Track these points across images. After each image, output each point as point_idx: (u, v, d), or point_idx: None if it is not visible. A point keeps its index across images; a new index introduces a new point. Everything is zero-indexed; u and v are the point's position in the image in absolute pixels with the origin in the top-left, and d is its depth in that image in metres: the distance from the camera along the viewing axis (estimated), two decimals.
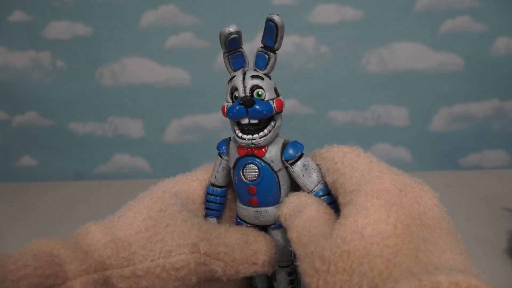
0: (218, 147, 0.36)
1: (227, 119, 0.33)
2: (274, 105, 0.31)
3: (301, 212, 0.30)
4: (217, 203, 0.37)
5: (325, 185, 0.32)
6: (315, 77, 0.84)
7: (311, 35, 0.83)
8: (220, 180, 0.37)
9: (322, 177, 0.32)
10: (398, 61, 0.84)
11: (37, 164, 0.95)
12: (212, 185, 0.37)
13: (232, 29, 0.30)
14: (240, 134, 0.32)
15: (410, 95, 0.85)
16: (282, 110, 0.32)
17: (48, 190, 0.85)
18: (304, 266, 0.26)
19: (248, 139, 0.31)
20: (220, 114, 0.34)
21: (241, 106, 0.30)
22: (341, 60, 0.84)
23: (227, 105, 0.32)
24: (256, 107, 0.30)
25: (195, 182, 0.37)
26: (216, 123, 0.88)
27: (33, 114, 0.91)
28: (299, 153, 0.33)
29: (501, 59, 0.82)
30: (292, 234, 0.29)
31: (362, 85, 0.85)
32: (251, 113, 0.30)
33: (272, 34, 0.30)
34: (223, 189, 0.37)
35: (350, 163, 0.30)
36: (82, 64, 0.88)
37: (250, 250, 0.32)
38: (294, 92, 0.83)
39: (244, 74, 0.32)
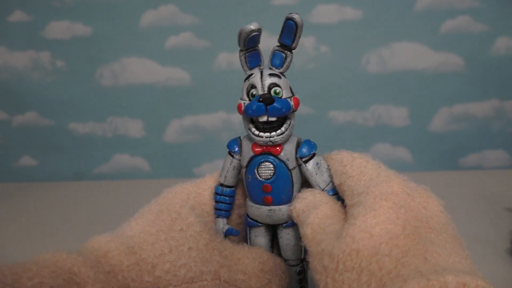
0: (229, 146, 0.36)
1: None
2: (291, 103, 0.32)
3: (316, 209, 0.30)
4: (227, 203, 0.37)
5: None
6: (315, 77, 0.84)
7: (311, 35, 0.83)
8: (230, 180, 0.36)
9: None
10: (398, 61, 0.84)
11: (37, 164, 0.95)
12: (221, 185, 0.37)
13: (253, 26, 0.30)
14: (256, 132, 0.32)
15: (410, 95, 0.85)
16: (297, 109, 0.33)
17: (48, 190, 0.85)
18: (314, 263, 0.27)
19: (266, 137, 0.32)
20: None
21: (261, 104, 0.31)
22: (341, 60, 0.84)
23: (244, 103, 0.32)
24: (275, 105, 0.31)
25: (206, 191, 0.37)
26: (216, 123, 0.88)
27: (33, 114, 0.91)
28: (313, 152, 0.33)
29: (501, 59, 0.82)
30: (306, 230, 0.29)
31: (362, 85, 0.85)
32: (270, 110, 0.31)
33: (291, 33, 0.31)
34: (232, 189, 0.37)
35: (359, 167, 0.31)
36: (82, 64, 0.88)
37: (265, 278, 0.33)
38: (294, 92, 0.83)
39: (261, 72, 0.32)
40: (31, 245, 0.56)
